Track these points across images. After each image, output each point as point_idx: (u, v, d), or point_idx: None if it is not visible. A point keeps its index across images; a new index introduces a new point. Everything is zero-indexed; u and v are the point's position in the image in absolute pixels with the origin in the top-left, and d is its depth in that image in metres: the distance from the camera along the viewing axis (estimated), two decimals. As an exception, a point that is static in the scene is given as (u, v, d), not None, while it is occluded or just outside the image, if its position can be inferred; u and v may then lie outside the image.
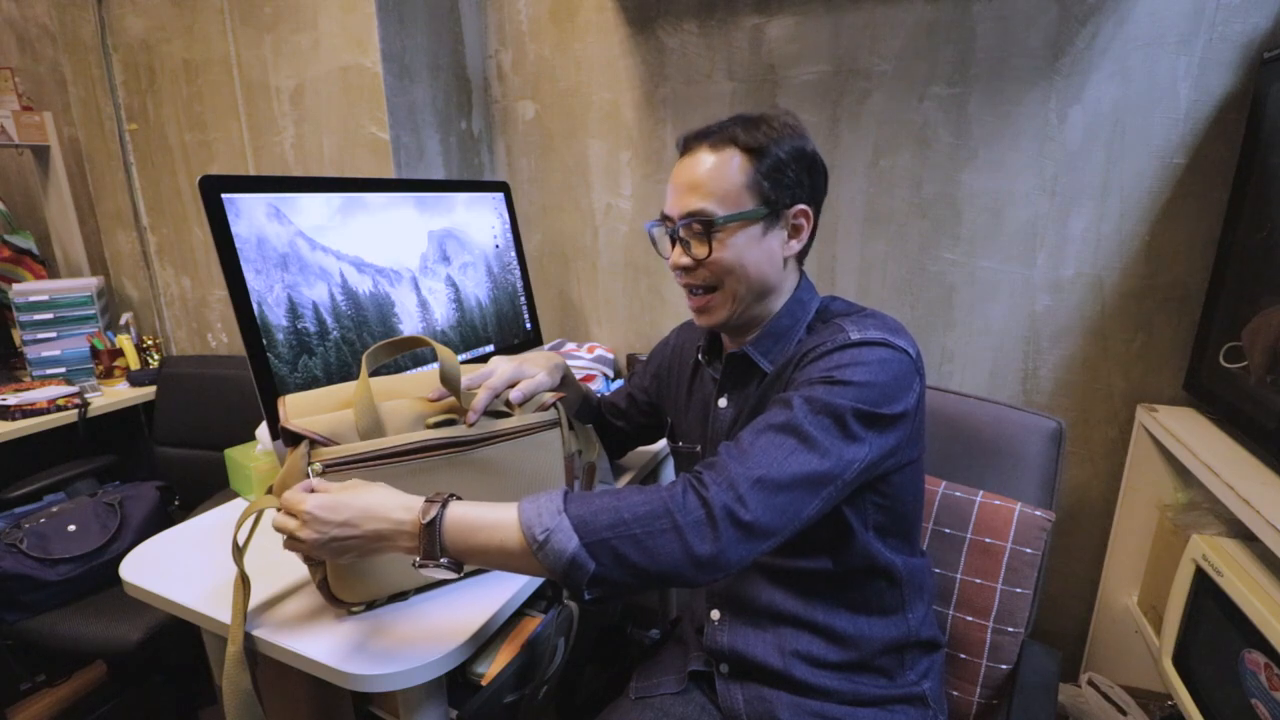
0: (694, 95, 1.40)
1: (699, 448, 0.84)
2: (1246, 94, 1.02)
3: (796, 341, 0.74)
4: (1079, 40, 1.10)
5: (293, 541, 0.60)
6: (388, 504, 0.59)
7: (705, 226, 0.69)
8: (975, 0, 1.14)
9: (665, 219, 0.74)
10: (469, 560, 0.59)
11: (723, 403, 0.79)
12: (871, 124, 1.26)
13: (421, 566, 0.57)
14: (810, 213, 0.72)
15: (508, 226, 1.27)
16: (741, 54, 1.33)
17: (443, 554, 0.57)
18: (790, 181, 0.70)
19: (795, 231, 0.73)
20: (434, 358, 1.04)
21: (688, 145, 0.73)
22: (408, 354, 0.97)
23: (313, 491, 0.61)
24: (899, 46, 1.21)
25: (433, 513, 0.57)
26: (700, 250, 0.70)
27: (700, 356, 0.84)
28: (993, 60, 1.16)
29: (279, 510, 0.62)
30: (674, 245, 0.73)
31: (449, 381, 0.71)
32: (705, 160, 0.70)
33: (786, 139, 0.70)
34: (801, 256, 0.76)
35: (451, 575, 0.58)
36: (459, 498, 0.60)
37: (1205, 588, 0.91)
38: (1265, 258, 0.94)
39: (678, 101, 1.42)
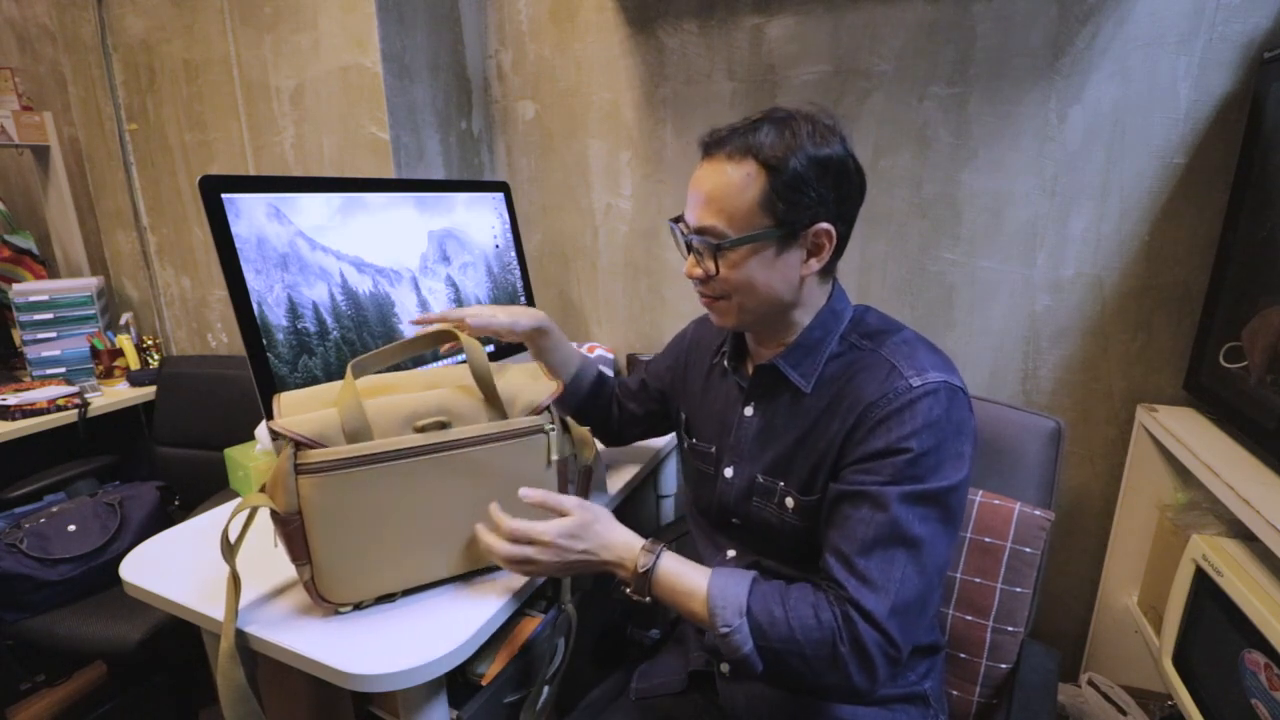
0: (694, 95, 1.40)
1: (713, 448, 0.82)
2: (1246, 94, 1.02)
3: (828, 355, 0.72)
4: (1079, 40, 1.10)
5: (526, 565, 0.69)
6: (617, 542, 0.71)
7: (712, 249, 0.67)
8: (975, 0, 1.14)
9: (683, 223, 0.72)
10: (660, 603, 0.69)
11: (749, 411, 0.77)
12: (871, 124, 1.26)
13: (625, 595, 0.70)
14: (833, 231, 0.67)
15: (508, 226, 1.27)
16: (741, 54, 1.33)
17: (649, 595, 0.68)
18: (810, 200, 0.65)
19: (815, 250, 0.68)
20: (432, 359, 1.04)
21: (708, 150, 0.69)
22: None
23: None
24: (899, 46, 1.21)
25: (647, 564, 0.68)
26: (710, 266, 0.69)
27: (725, 362, 0.82)
28: (993, 60, 1.16)
29: (501, 536, 0.70)
30: (689, 251, 0.72)
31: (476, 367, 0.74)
32: (721, 173, 0.66)
33: (811, 148, 0.65)
34: (828, 270, 0.72)
35: (644, 600, 0.69)
36: (671, 549, 0.70)
37: (1205, 588, 0.91)
38: (1265, 258, 0.94)
39: (678, 101, 1.42)
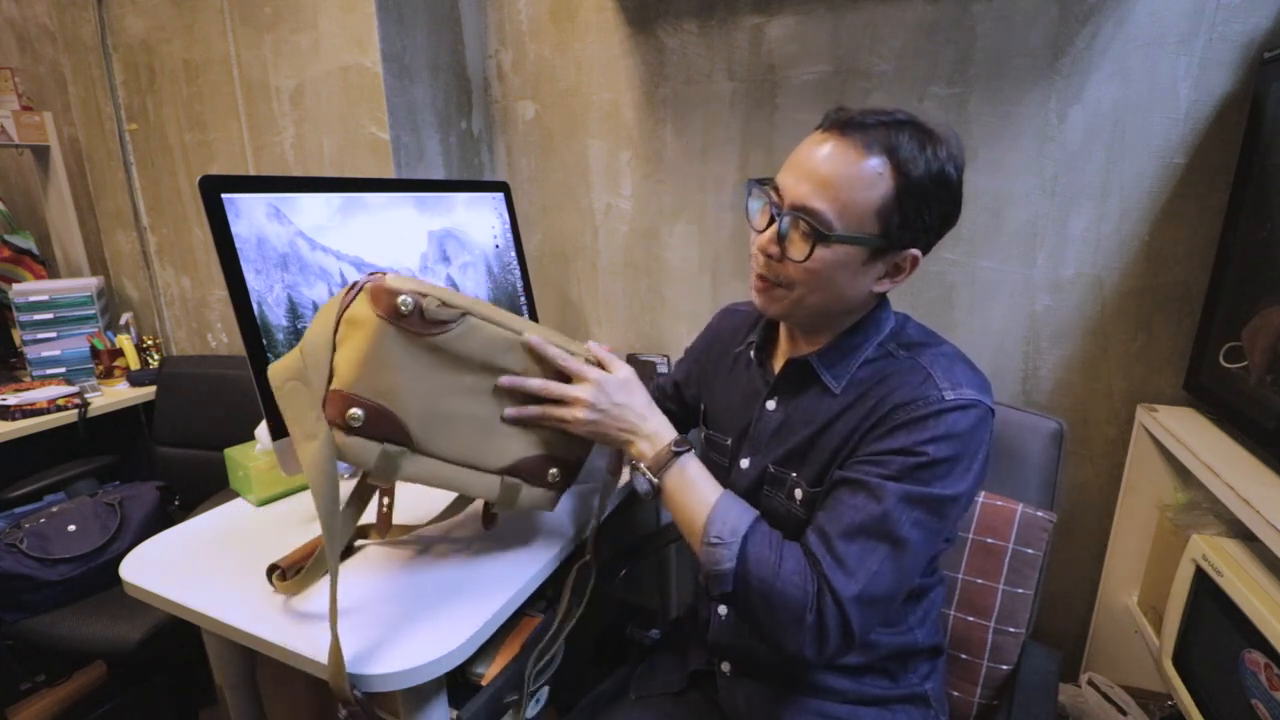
0: (694, 95, 1.40)
1: (729, 440, 0.81)
2: (1246, 94, 1.02)
3: (863, 360, 0.69)
4: (1079, 40, 1.10)
5: (563, 402, 0.70)
6: (656, 417, 0.72)
7: (815, 235, 0.61)
8: (975, 0, 1.14)
9: (775, 190, 0.65)
10: (666, 499, 0.70)
11: (771, 405, 0.76)
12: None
13: (634, 467, 0.71)
14: (920, 259, 0.65)
15: (508, 226, 1.27)
16: (742, 54, 1.33)
17: (660, 479, 0.69)
18: (922, 224, 0.62)
19: (895, 271, 0.66)
20: None
21: (839, 126, 0.62)
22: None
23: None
24: (899, 46, 1.21)
25: (683, 448, 0.70)
26: (797, 252, 0.63)
27: (751, 353, 0.80)
28: (993, 60, 1.16)
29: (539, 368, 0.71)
30: (768, 225, 0.65)
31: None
32: (849, 156, 0.60)
33: (949, 169, 0.61)
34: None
35: (647, 489, 0.71)
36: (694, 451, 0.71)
37: (1205, 588, 0.91)
38: (1265, 258, 0.94)
39: (678, 101, 1.42)
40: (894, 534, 0.60)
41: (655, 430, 0.71)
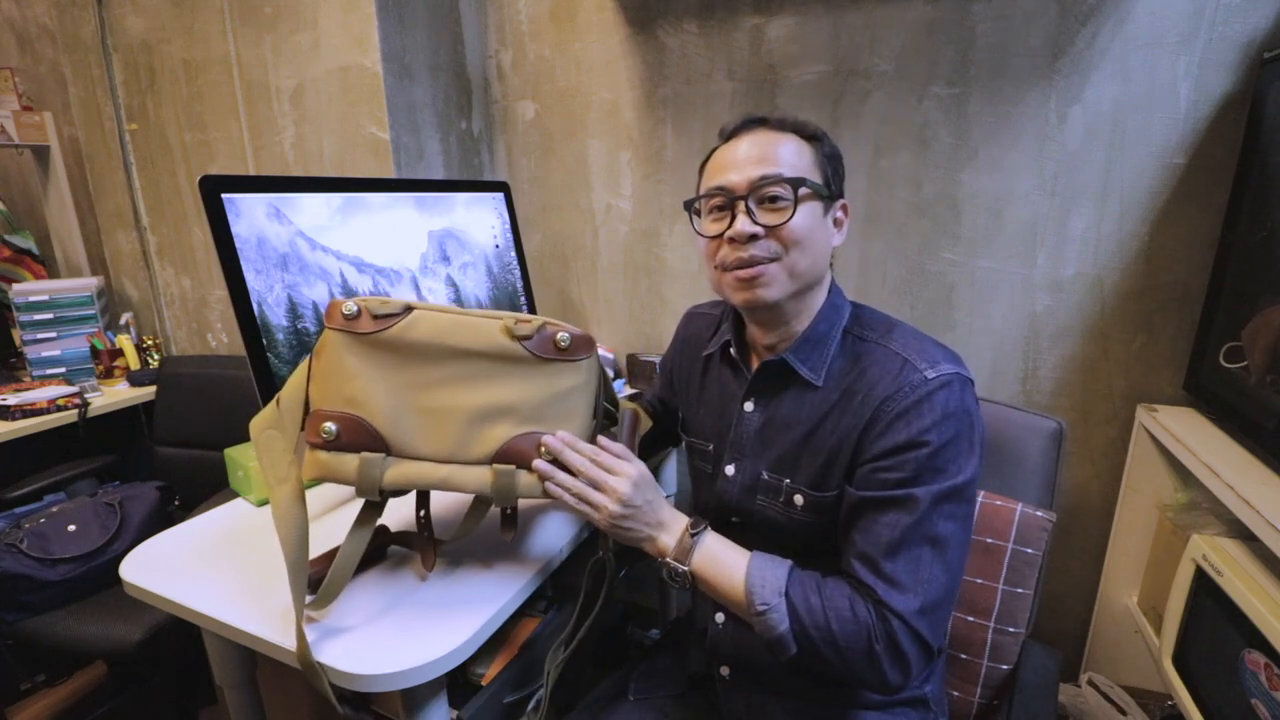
0: (694, 95, 1.40)
1: (711, 446, 0.82)
2: (1246, 94, 1.02)
3: (833, 352, 0.71)
4: (1079, 40, 1.10)
5: (586, 497, 0.68)
6: (666, 509, 0.71)
7: (792, 186, 0.66)
8: (975, 0, 1.14)
9: (719, 192, 0.69)
10: (701, 585, 0.68)
11: (749, 406, 0.76)
12: (871, 124, 1.26)
13: (663, 565, 0.69)
14: (848, 208, 0.74)
15: (508, 226, 1.27)
16: (741, 54, 1.33)
17: (687, 564, 0.68)
18: (840, 174, 0.72)
19: (837, 224, 0.73)
20: None
21: (745, 126, 0.72)
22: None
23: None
24: (899, 46, 1.21)
25: (699, 528, 0.69)
26: (778, 216, 0.67)
27: (731, 351, 0.80)
28: (993, 60, 1.16)
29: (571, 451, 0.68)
30: (734, 218, 0.68)
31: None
32: (773, 137, 0.69)
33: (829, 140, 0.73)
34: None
35: (682, 580, 0.68)
36: (711, 528, 0.71)
37: (1205, 588, 0.91)
38: (1265, 258, 0.94)
39: (678, 101, 1.42)
40: (932, 534, 0.61)
41: (670, 520, 0.71)
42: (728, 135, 0.73)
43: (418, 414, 0.67)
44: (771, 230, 0.67)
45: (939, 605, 0.61)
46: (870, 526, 0.63)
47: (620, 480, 0.68)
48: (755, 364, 0.77)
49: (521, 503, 0.71)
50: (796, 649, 0.63)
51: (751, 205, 0.68)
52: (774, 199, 0.67)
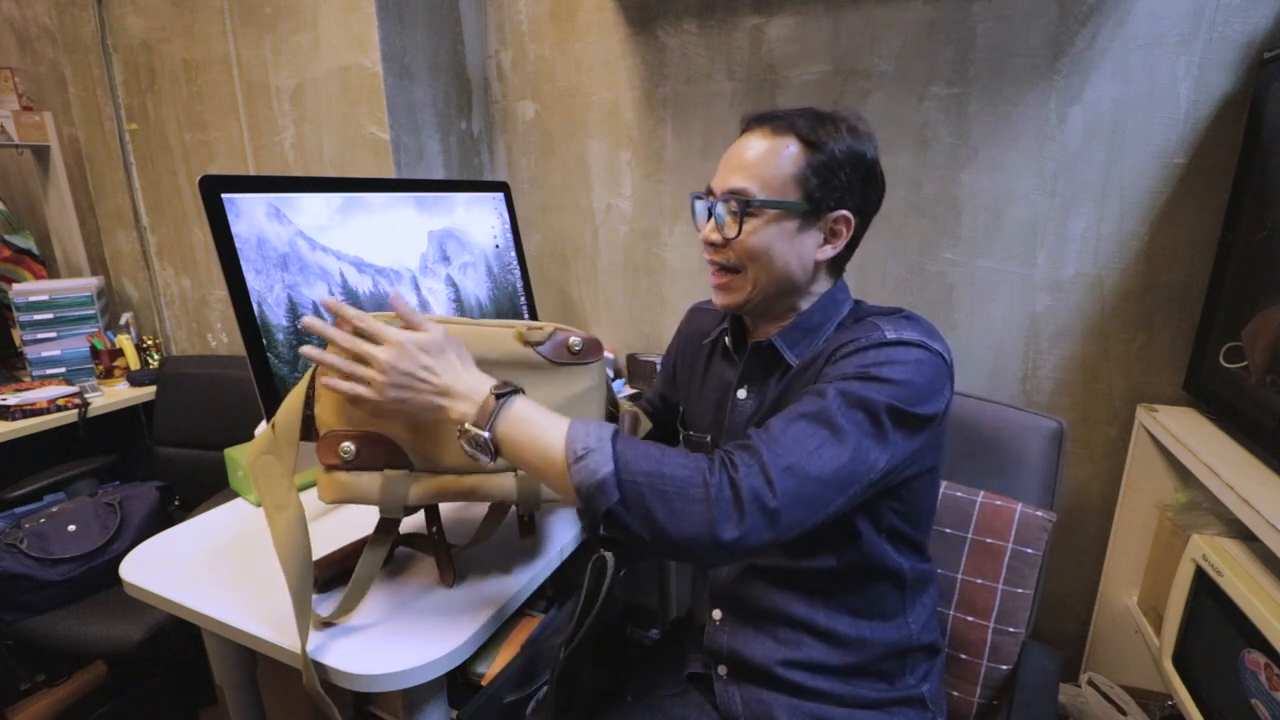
0: (694, 95, 1.40)
1: (709, 437, 0.82)
2: (1246, 94, 1.02)
3: (825, 339, 0.72)
4: (1079, 40, 1.10)
5: (357, 367, 0.60)
6: (467, 373, 0.62)
7: (741, 206, 0.68)
8: (975, 0, 1.14)
9: (709, 193, 0.73)
10: (509, 451, 0.59)
11: (742, 394, 0.78)
12: (871, 124, 1.26)
13: (462, 434, 0.59)
14: (852, 221, 0.70)
15: (508, 226, 1.27)
16: (741, 54, 1.33)
17: (491, 431, 0.58)
18: (840, 184, 0.69)
19: (832, 236, 0.71)
20: None
21: (749, 124, 0.72)
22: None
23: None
24: (899, 46, 1.21)
25: (505, 390, 0.60)
26: (731, 229, 0.69)
27: (725, 340, 0.82)
28: (993, 60, 1.16)
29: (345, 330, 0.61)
30: (709, 219, 0.72)
31: None
32: (760, 143, 0.69)
33: (848, 141, 0.68)
34: (838, 263, 0.75)
35: (485, 457, 0.59)
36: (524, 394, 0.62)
37: (1205, 588, 0.91)
38: (1265, 258, 0.94)
39: (678, 101, 1.42)
40: (833, 420, 0.59)
41: (472, 385, 0.60)
42: (740, 129, 0.74)
43: (439, 425, 0.66)
44: (729, 242, 0.70)
45: (808, 480, 0.56)
46: (784, 410, 0.63)
47: (384, 349, 0.59)
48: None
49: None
50: (619, 497, 0.54)
51: (719, 212, 0.70)
52: (734, 213, 0.69)
